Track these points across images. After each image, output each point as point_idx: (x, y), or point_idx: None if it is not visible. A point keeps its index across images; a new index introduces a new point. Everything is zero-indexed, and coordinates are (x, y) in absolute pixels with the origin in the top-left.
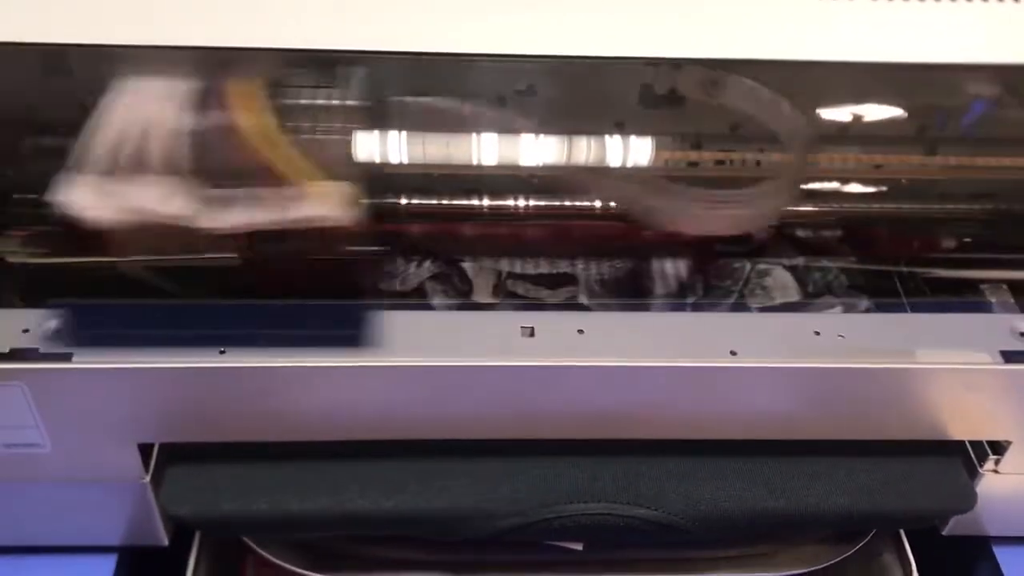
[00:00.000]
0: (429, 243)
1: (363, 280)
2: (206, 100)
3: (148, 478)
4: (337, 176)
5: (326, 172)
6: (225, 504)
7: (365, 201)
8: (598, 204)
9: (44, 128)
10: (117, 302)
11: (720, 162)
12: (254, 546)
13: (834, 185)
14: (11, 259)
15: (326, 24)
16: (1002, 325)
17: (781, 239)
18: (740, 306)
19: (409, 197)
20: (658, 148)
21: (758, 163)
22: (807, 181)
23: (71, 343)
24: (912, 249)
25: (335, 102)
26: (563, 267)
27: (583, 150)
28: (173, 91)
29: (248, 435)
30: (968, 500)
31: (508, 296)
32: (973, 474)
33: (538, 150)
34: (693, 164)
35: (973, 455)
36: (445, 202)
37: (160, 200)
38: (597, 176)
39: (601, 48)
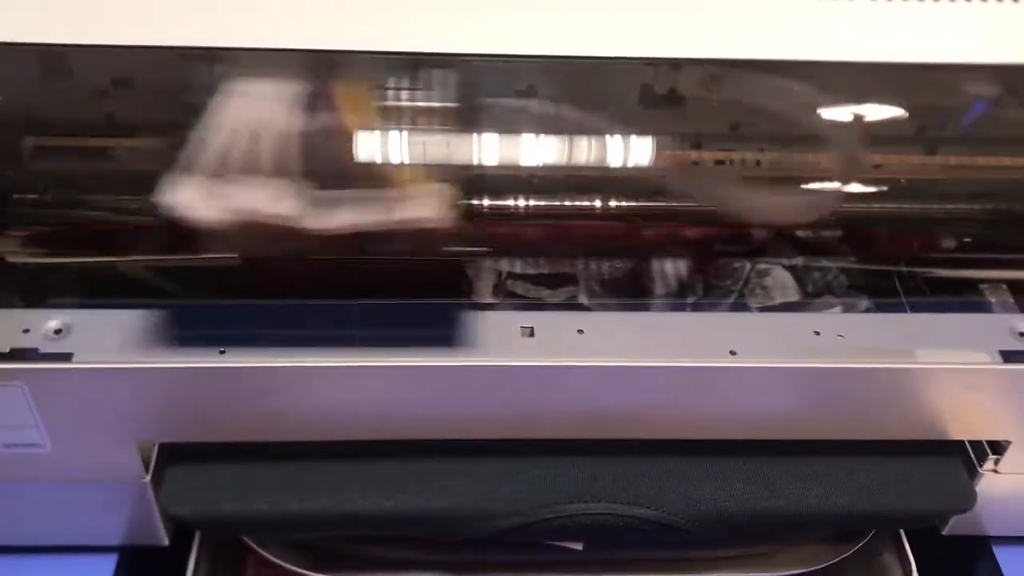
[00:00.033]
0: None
1: (457, 280)
2: (313, 102)
3: (148, 478)
4: (436, 178)
5: (427, 173)
6: (225, 504)
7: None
8: (598, 204)
9: (48, 128)
10: (242, 302)
11: (720, 162)
12: (254, 546)
13: (834, 185)
14: (42, 259)
15: (326, 24)
16: (1002, 325)
17: (781, 239)
18: (740, 306)
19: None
20: (658, 147)
21: (758, 163)
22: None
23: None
24: (912, 249)
25: (428, 104)
26: (563, 267)
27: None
28: (281, 93)
29: (248, 435)
30: (968, 500)
31: (508, 296)
32: (973, 474)
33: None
34: (695, 164)
35: (973, 455)
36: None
37: (268, 201)
38: (683, 171)
39: (601, 48)
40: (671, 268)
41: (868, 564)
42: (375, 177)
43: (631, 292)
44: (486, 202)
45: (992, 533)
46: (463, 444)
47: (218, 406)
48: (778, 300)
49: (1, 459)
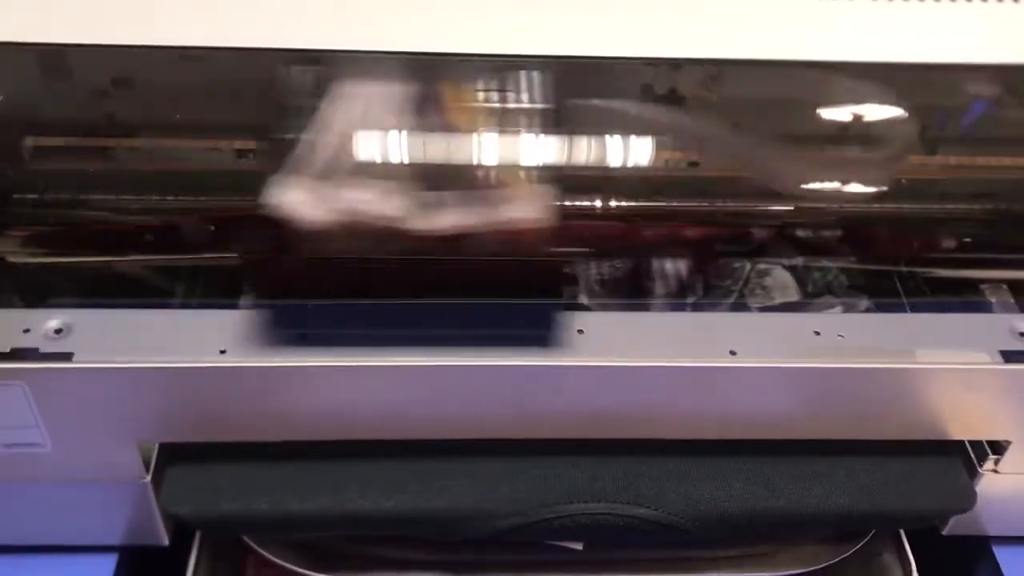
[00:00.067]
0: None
1: (558, 279)
2: (418, 104)
3: (148, 478)
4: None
5: (527, 174)
6: (225, 504)
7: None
8: (599, 204)
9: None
10: (322, 302)
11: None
12: (254, 546)
13: (834, 185)
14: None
15: (326, 24)
16: (1002, 325)
17: (781, 239)
18: (740, 306)
19: None
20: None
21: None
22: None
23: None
24: (912, 249)
25: (525, 105)
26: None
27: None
28: (387, 95)
29: (248, 435)
30: (968, 500)
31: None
32: (973, 474)
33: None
34: (693, 164)
35: (973, 455)
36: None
37: (376, 202)
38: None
39: (601, 48)
40: (671, 268)
41: (868, 564)
42: (477, 177)
43: (631, 292)
44: (577, 202)
45: (992, 533)
46: (463, 444)
47: (218, 406)
48: (778, 300)
49: (1, 459)
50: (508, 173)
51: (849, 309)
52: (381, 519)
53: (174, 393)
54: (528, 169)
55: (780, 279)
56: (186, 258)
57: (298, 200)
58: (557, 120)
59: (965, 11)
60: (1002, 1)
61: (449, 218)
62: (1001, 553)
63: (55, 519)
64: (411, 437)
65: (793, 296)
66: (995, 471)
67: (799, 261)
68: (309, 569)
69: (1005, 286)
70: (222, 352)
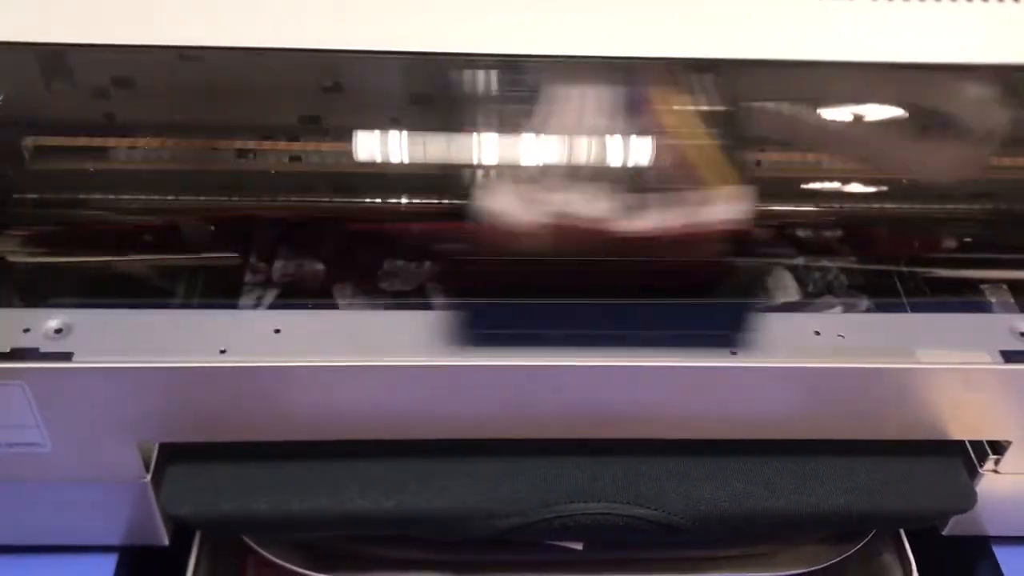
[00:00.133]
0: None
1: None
2: (627, 106)
3: (148, 478)
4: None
5: (729, 176)
6: (225, 504)
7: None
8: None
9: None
10: (512, 301)
11: None
12: (255, 546)
13: (834, 185)
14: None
15: (326, 24)
16: (1002, 325)
17: (781, 239)
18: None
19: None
20: None
21: (758, 163)
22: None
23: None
24: (912, 249)
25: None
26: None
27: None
28: (593, 98)
29: (248, 435)
30: (968, 500)
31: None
32: (973, 474)
33: None
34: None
35: (973, 455)
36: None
37: (583, 204)
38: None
39: (601, 48)
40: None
41: (868, 564)
42: (679, 179)
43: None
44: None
45: (992, 533)
46: (463, 444)
47: (218, 406)
48: (778, 300)
49: (1, 458)
50: (708, 175)
51: (849, 309)
52: (381, 519)
53: (174, 393)
54: (726, 171)
55: (780, 279)
56: (188, 258)
57: (505, 202)
58: (748, 122)
59: (965, 11)
60: (1002, 1)
61: (652, 219)
62: (1001, 553)
63: (55, 519)
64: (411, 437)
65: (793, 296)
66: (995, 471)
67: (799, 261)
68: (309, 569)
69: (1005, 286)
70: (222, 352)
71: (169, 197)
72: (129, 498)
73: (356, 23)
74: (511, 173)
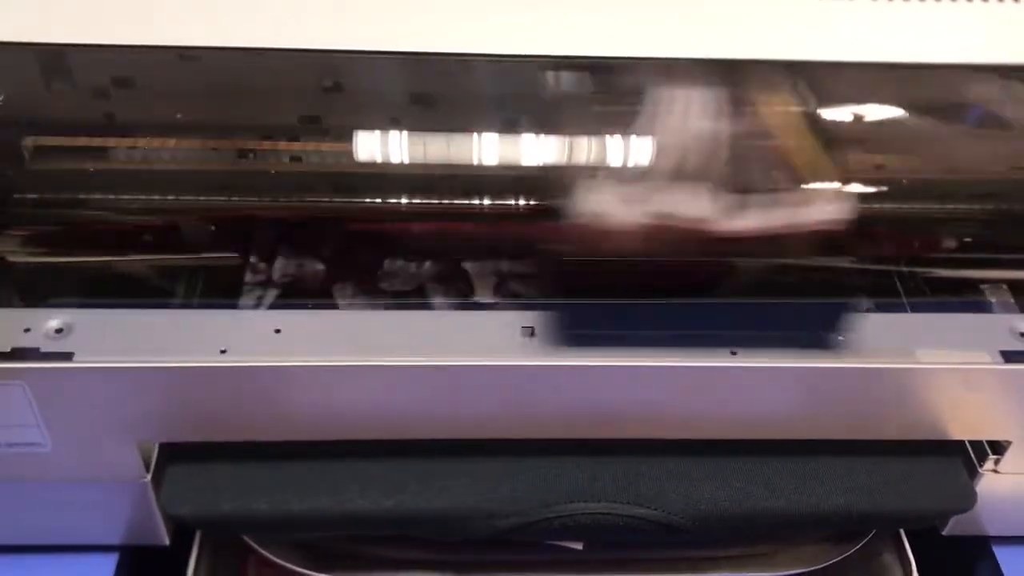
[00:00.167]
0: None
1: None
2: (732, 107)
3: (149, 478)
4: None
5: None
6: (225, 504)
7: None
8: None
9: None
10: (612, 301)
11: None
12: (255, 545)
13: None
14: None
15: (326, 24)
16: (1002, 325)
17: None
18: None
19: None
20: None
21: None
22: None
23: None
24: (912, 249)
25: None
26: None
27: None
28: (698, 99)
29: (248, 435)
30: (968, 500)
31: (508, 296)
32: (973, 474)
33: None
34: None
35: (973, 455)
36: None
37: (684, 204)
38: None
39: (601, 48)
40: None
41: (868, 564)
42: (778, 179)
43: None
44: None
45: (992, 533)
46: (463, 444)
47: (219, 406)
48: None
49: (2, 458)
50: (808, 175)
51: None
52: (381, 519)
53: (174, 393)
54: (826, 171)
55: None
56: (188, 258)
57: (606, 202)
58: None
59: (965, 11)
60: (1002, 1)
61: (753, 219)
62: (1001, 553)
63: (55, 519)
64: (411, 437)
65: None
66: (995, 471)
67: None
68: (309, 569)
69: (1005, 286)
70: (222, 352)
71: (169, 197)
72: (129, 498)
73: (356, 23)
74: (612, 174)
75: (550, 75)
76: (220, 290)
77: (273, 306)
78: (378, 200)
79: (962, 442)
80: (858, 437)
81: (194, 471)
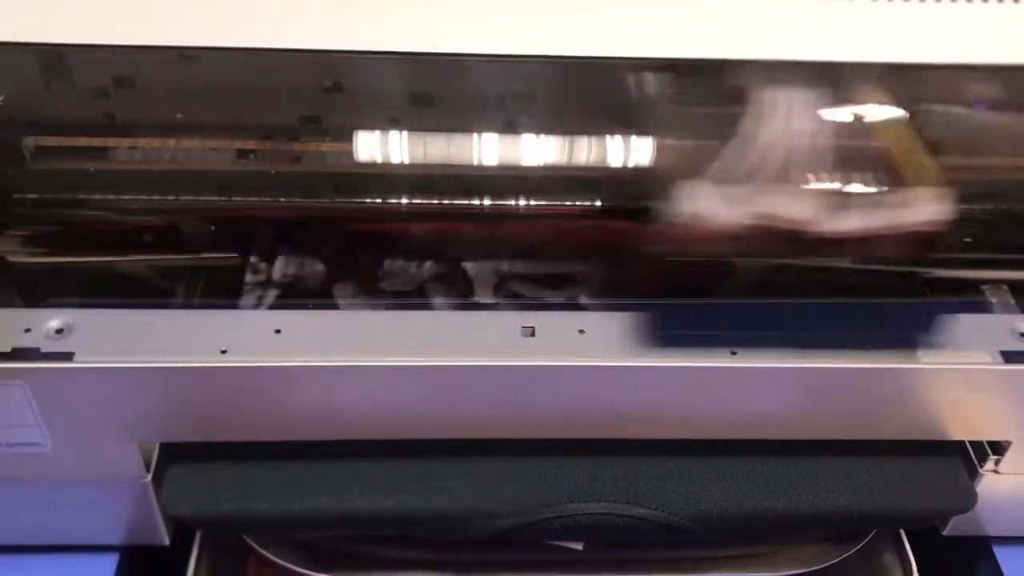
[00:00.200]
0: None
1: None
2: (830, 107)
3: (149, 478)
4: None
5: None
6: (225, 504)
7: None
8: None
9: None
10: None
11: None
12: (255, 545)
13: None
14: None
15: (326, 24)
16: (1002, 325)
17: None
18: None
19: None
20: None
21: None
22: None
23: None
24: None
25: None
26: (563, 267)
27: None
28: (799, 101)
29: (248, 435)
30: (968, 500)
31: (508, 296)
32: (973, 474)
33: None
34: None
35: (973, 455)
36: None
37: (785, 205)
38: None
39: (601, 48)
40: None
41: (868, 564)
42: (879, 181)
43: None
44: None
45: (992, 533)
46: (463, 444)
47: (219, 406)
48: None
49: (2, 458)
50: (909, 177)
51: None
52: (381, 519)
53: (175, 393)
54: (926, 173)
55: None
56: (188, 258)
57: (708, 203)
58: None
59: (965, 11)
60: (1002, 1)
61: (853, 220)
62: (1001, 553)
63: (55, 519)
64: (411, 437)
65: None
66: (995, 471)
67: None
68: (309, 569)
69: (1005, 286)
70: (223, 352)
71: (169, 197)
72: (130, 498)
73: (356, 23)
74: (720, 175)
75: (633, 76)
76: (220, 290)
77: (273, 306)
78: (378, 200)
79: (962, 442)
80: (858, 437)
81: (194, 471)
